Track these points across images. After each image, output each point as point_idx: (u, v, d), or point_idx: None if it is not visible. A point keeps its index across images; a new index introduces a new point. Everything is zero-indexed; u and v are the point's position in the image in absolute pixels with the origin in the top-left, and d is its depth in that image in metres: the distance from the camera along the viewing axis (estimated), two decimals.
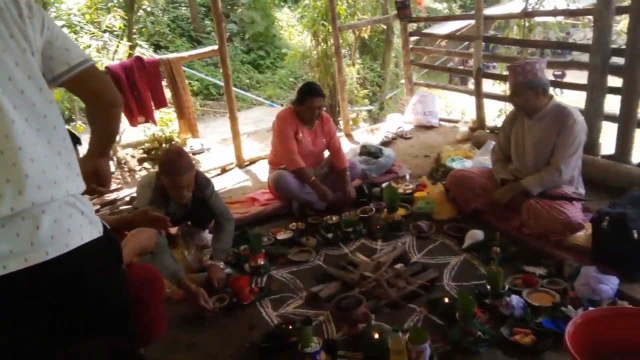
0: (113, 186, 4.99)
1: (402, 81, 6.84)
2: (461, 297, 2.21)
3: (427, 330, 2.09)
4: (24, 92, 1.21)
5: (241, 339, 2.40)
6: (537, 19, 5.94)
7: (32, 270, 1.18)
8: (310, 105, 3.60)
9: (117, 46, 6.39)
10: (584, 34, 11.88)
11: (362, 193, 3.88)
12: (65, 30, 6.91)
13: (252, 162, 5.22)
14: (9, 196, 1.16)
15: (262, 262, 2.98)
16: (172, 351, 2.37)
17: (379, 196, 3.78)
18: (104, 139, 1.56)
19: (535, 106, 2.98)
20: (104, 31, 7.19)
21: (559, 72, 9.27)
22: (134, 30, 8.07)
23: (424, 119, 5.79)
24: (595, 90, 3.80)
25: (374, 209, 3.60)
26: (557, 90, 5.63)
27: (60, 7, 7.14)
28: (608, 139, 4.03)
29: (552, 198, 2.89)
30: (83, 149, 1.81)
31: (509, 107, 4.99)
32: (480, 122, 5.22)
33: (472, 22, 5.09)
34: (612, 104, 3.87)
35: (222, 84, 5.61)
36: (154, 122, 4.94)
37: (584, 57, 4.00)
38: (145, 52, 7.44)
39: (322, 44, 7.59)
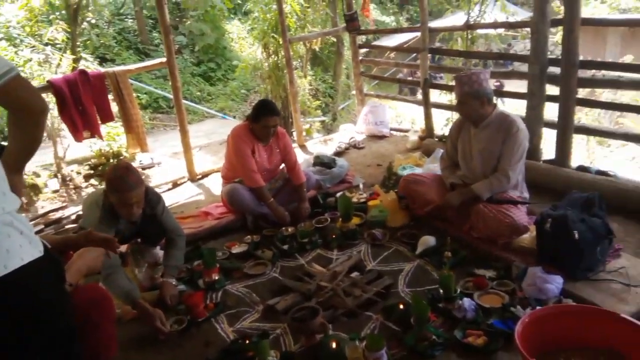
0: (58, 204, 4.79)
1: (354, 92, 6.95)
2: (415, 302, 2.25)
3: (384, 336, 2.12)
4: None
5: (197, 356, 2.34)
6: (479, 31, 6.21)
7: None
8: (265, 124, 3.56)
9: (60, 59, 6.16)
10: (523, 45, 12.48)
11: (317, 203, 3.90)
12: (4, 43, 6.61)
13: (205, 175, 5.14)
14: None
15: (216, 277, 2.93)
16: None
17: (333, 206, 3.81)
18: (26, 151, 1.50)
19: (480, 115, 3.10)
20: (46, 44, 6.91)
21: (498, 83, 9.65)
22: (78, 43, 7.81)
23: (376, 129, 5.89)
24: (535, 99, 4.00)
25: (329, 219, 3.62)
26: (499, 99, 5.89)
27: None
28: (548, 144, 4.24)
29: (498, 202, 3.00)
30: None
31: (455, 116, 5.16)
32: (429, 131, 5.36)
33: (419, 34, 5.25)
34: (551, 111, 4.07)
35: (171, 96, 5.51)
36: (100, 137, 4.79)
37: (524, 67, 4.19)
38: (90, 65, 7.19)
39: (273, 56, 7.61)
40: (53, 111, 4.64)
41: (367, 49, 7.62)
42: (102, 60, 10.74)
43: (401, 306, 2.46)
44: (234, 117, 10.03)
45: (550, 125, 4.06)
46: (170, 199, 4.51)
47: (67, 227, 4.04)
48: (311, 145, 5.98)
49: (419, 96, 5.57)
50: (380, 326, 2.41)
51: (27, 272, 1.24)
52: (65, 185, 5.09)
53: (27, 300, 1.26)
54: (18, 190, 1.47)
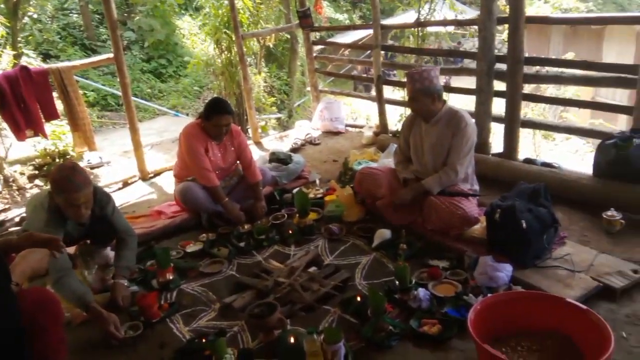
0: (0, 206, 4.56)
1: (309, 89, 6.95)
2: (371, 294, 2.28)
3: (341, 329, 2.13)
4: None
5: (152, 359, 2.28)
6: (430, 29, 6.35)
7: None
8: (217, 122, 3.49)
9: (0, 56, 5.85)
10: (473, 43, 12.87)
11: (274, 200, 3.88)
12: None
13: (157, 174, 5.02)
14: None
15: (171, 277, 2.87)
16: None
17: (290, 202, 3.80)
18: None
19: (431, 111, 3.17)
20: None
21: (445, 79, 9.90)
22: (19, 39, 7.44)
23: (331, 125, 5.93)
24: (483, 94, 4.13)
25: (286, 215, 3.62)
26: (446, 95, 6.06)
27: None
28: (497, 138, 4.38)
29: (450, 195, 3.08)
30: None
31: (408, 112, 5.25)
32: (383, 126, 5.44)
33: (372, 32, 5.30)
34: (499, 106, 4.22)
35: (120, 93, 5.34)
36: (45, 136, 4.59)
37: (473, 64, 4.32)
38: (33, 61, 6.88)
39: (225, 52, 7.49)
40: None
41: (322, 46, 7.63)
42: (46, 57, 10.27)
43: (358, 299, 2.48)
44: (187, 114, 9.82)
45: (498, 119, 4.20)
46: (121, 199, 4.39)
47: (10, 229, 3.84)
48: (267, 142, 5.95)
49: (374, 93, 5.63)
50: (338, 319, 2.43)
51: None
52: (7, 187, 4.84)
53: None
54: None
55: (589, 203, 3.29)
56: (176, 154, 3.86)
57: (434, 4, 5.87)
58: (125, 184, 4.88)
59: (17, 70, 4.15)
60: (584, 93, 8.87)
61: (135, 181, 4.93)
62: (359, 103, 9.53)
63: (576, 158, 8.22)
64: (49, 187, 2.56)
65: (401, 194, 3.26)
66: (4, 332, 1.28)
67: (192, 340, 2.33)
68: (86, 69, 9.38)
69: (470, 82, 4.32)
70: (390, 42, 9.06)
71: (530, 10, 12.54)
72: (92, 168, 5.38)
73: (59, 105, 4.57)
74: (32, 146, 5.37)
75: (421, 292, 2.44)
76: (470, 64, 4.71)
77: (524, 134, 7.05)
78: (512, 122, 4.03)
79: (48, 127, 4.68)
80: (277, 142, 5.92)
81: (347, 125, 6.09)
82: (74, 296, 2.41)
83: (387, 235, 3.14)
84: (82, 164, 4.87)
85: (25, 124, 4.17)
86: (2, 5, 7.53)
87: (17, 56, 6.45)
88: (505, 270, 2.49)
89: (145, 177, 4.94)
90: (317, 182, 4.26)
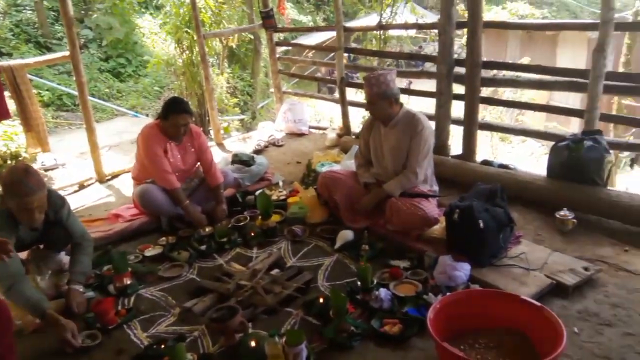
0: None
1: (272, 90, 6.92)
2: (333, 295, 2.28)
3: (304, 331, 2.13)
4: None
5: None
6: (391, 32, 6.44)
7: None
8: (174, 122, 3.42)
9: None
10: (434, 47, 13.12)
11: (236, 202, 3.84)
12: None
13: (115, 176, 4.88)
14: None
15: (128, 282, 2.79)
16: None
17: (252, 204, 3.76)
18: None
19: (389, 114, 3.22)
20: None
21: (406, 82, 10.07)
22: None
23: (295, 127, 5.91)
24: (443, 97, 4.21)
25: (248, 217, 3.58)
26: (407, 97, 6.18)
27: None
28: (456, 140, 4.48)
29: (410, 196, 3.13)
30: None
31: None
32: (346, 128, 5.47)
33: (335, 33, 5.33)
34: (459, 109, 4.31)
35: (76, 93, 5.17)
36: None
37: (434, 68, 4.40)
38: None
39: (187, 52, 7.36)
40: None
41: (286, 47, 7.63)
42: None
43: (321, 300, 2.49)
44: (147, 115, 9.58)
45: (457, 122, 4.29)
46: (77, 202, 4.24)
47: None
48: (229, 144, 5.88)
49: (337, 95, 5.66)
50: (300, 321, 2.42)
51: None
52: None
53: None
54: None
55: (543, 203, 3.41)
56: (135, 156, 3.76)
57: (396, 7, 5.96)
58: (82, 186, 4.72)
59: None
60: (540, 97, 9.21)
61: (92, 184, 4.78)
62: (323, 105, 9.56)
63: (532, 160, 8.51)
64: (0, 190, 2.45)
65: (364, 202, 3.31)
66: None
67: (151, 346, 2.28)
68: (40, 67, 9.03)
69: (430, 85, 4.40)
70: (353, 44, 9.16)
71: (488, 16, 12.91)
72: (46, 170, 5.18)
73: (11, 105, 4.38)
74: None
75: (382, 292, 2.46)
76: (431, 67, 4.79)
77: (482, 136, 7.24)
78: (471, 125, 4.13)
79: None
80: (240, 143, 5.86)
81: (310, 127, 6.09)
82: (28, 303, 2.32)
83: (350, 237, 3.16)
84: (35, 166, 4.69)
85: None
86: None
87: None
88: (463, 270, 2.54)
89: (102, 179, 4.80)
90: (281, 183, 4.25)
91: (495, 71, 4.59)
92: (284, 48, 8.85)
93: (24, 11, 11.79)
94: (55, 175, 5.12)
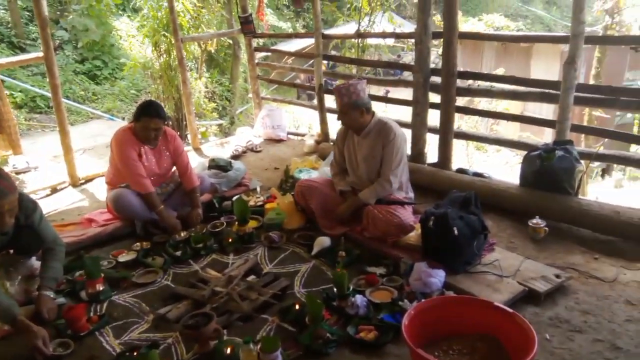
0: None
1: (251, 95, 6.91)
2: (309, 301, 2.28)
3: (279, 338, 2.12)
4: None
5: None
6: (369, 41, 6.50)
7: None
8: (145, 125, 3.38)
9: None
10: (412, 56, 13.29)
11: (212, 207, 3.81)
12: None
13: (89, 180, 4.80)
14: None
15: (101, 288, 2.74)
16: None
17: (229, 210, 3.74)
18: None
19: (360, 124, 3.25)
20: None
21: (384, 90, 10.18)
22: None
23: (273, 133, 5.91)
24: (419, 106, 4.27)
25: (225, 223, 3.56)
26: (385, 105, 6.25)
27: None
28: (432, 148, 4.54)
29: (387, 203, 3.16)
30: None
31: None
32: (324, 135, 5.49)
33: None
34: (435, 117, 4.37)
35: (50, 95, 5.07)
36: None
37: (411, 77, 4.45)
38: None
39: (164, 55, 7.30)
40: None
41: (264, 53, 7.61)
42: None
43: (297, 307, 2.48)
44: (123, 118, 9.45)
45: (433, 130, 4.35)
46: (49, 206, 4.16)
47: None
48: (207, 148, 5.84)
49: (316, 101, 5.68)
50: (276, 328, 2.41)
51: None
52: None
53: None
54: None
55: (516, 211, 3.47)
56: (109, 160, 3.70)
57: (374, 16, 6.02)
58: (54, 190, 4.63)
59: None
60: (514, 107, 9.41)
61: (65, 187, 4.69)
62: (302, 111, 9.58)
63: (506, 169, 8.67)
64: None
65: (340, 211, 3.34)
66: None
67: (123, 354, 2.23)
68: (13, 68, 8.85)
69: (408, 93, 4.45)
70: (332, 52, 9.21)
71: (464, 27, 13.17)
72: (17, 173, 5.06)
73: None
74: None
75: (358, 298, 2.47)
76: (409, 76, 4.86)
77: (458, 145, 7.36)
78: (446, 133, 4.19)
79: None
80: (218, 148, 5.83)
81: (289, 133, 6.10)
82: None
83: (327, 243, 3.17)
84: (6, 169, 4.57)
85: None
86: None
87: None
88: (438, 276, 2.57)
89: (75, 183, 4.71)
90: (258, 189, 4.23)
91: (470, 81, 4.67)
92: (263, 54, 8.84)
93: None
94: (27, 178, 5.00)
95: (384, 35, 5.95)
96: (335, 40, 8.11)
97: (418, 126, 4.29)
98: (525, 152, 3.66)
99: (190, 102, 5.93)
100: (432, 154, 4.50)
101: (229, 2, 9.43)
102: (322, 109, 5.47)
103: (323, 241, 3.18)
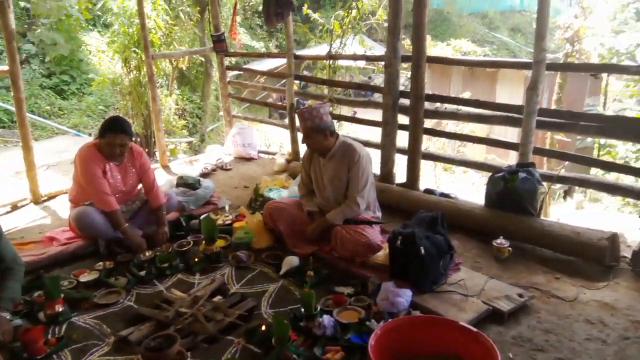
0: None
1: (222, 113, 6.89)
2: (276, 322, 2.26)
3: None
4: None
5: None
6: (341, 62, 6.59)
7: None
8: (110, 141, 3.32)
9: None
10: (382, 78, 13.57)
11: (179, 226, 3.75)
12: None
13: (52, 197, 4.67)
14: None
15: (60, 309, 2.64)
16: None
17: (197, 228, 3.69)
18: None
19: (324, 146, 3.29)
20: None
21: (352, 111, 10.34)
22: None
23: (244, 151, 5.90)
24: (389, 127, 4.34)
25: (192, 242, 3.50)
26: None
27: None
28: (401, 169, 4.61)
29: (355, 223, 3.18)
30: None
31: None
32: (295, 154, 5.51)
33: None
34: (404, 139, 4.44)
35: (14, 109, 4.94)
36: None
37: (381, 99, 4.53)
38: None
39: (134, 72, 7.23)
40: None
41: (236, 71, 7.63)
42: None
43: (263, 327, 2.45)
44: (90, 134, 9.26)
45: (402, 151, 4.42)
46: (9, 224, 4.02)
47: None
48: (175, 166, 5.77)
49: (287, 121, 5.71)
50: (241, 350, 2.37)
51: None
52: None
53: None
54: None
55: (481, 231, 3.54)
56: (72, 177, 3.61)
57: (345, 39, 6.13)
58: (14, 207, 4.48)
59: None
60: (480, 130, 9.64)
61: (26, 204, 4.55)
62: (273, 130, 9.60)
63: (473, 190, 8.85)
64: None
65: (309, 232, 3.36)
66: None
67: None
68: None
69: (378, 114, 4.53)
70: (304, 72, 9.30)
71: (433, 51, 13.52)
72: None
73: None
74: None
75: (326, 319, 2.45)
76: (379, 97, 4.96)
77: (427, 166, 7.48)
78: (414, 154, 4.27)
79: None
80: (187, 166, 5.77)
81: (259, 152, 6.09)
82: None
83: (295, 263, 3.15)
84: None
85: None
86: None
87: None
88: (405, 296, 2.58)
89: (37, 200, 4.58)
90: (227, 208, 4.19)
91: (438, 104, 4.79)
92: (235, 72, 8.85)
93: None
94: None
95: (354, 57, 6.06)
96: (307, 61, 8.20)
97: (387, 147, 4.35)
98: (490, 174, 3.75)
99: (160, 119, 5.87)
100: (400, 174, 4.56)
101: (202, 20, 9.45)
102: (293, 128, 5.49)
103: (291, 260, 3.16)
